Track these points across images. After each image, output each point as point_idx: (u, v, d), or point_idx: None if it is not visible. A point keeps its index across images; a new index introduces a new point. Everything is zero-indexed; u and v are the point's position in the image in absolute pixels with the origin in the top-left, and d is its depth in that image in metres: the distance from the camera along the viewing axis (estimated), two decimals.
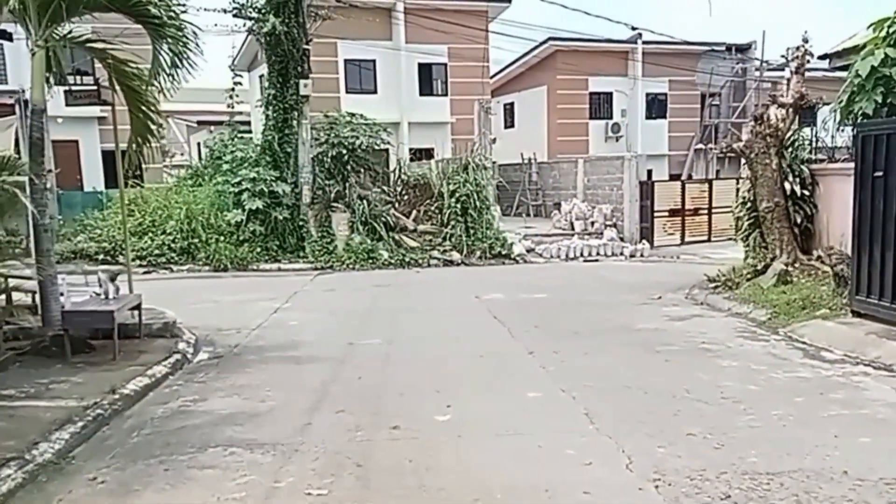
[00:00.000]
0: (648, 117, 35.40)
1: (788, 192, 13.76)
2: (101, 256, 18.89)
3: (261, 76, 21.04)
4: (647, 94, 35.22)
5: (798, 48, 14.58)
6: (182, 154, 38.37)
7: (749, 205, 14.46)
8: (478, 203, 20.94)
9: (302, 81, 19.88)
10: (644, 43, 33.60)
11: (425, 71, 30.54)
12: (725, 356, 8.98)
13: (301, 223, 20.10)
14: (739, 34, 33.96)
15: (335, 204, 20.22)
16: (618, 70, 34.61)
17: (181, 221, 19.25)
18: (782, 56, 13.93)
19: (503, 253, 20.79)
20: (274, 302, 13.34)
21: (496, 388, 7.70)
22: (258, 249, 19.34)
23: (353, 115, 21.26)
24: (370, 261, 19.34)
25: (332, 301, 13.91)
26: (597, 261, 21.76)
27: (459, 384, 7.81)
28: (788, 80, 14.96)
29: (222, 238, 19.30)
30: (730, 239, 25.89)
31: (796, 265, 13.39)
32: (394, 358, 8.99)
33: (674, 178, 31.84)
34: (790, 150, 14.22)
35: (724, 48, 35.09)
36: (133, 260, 18.55)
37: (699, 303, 13.19)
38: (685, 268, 19.57)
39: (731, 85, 35.05)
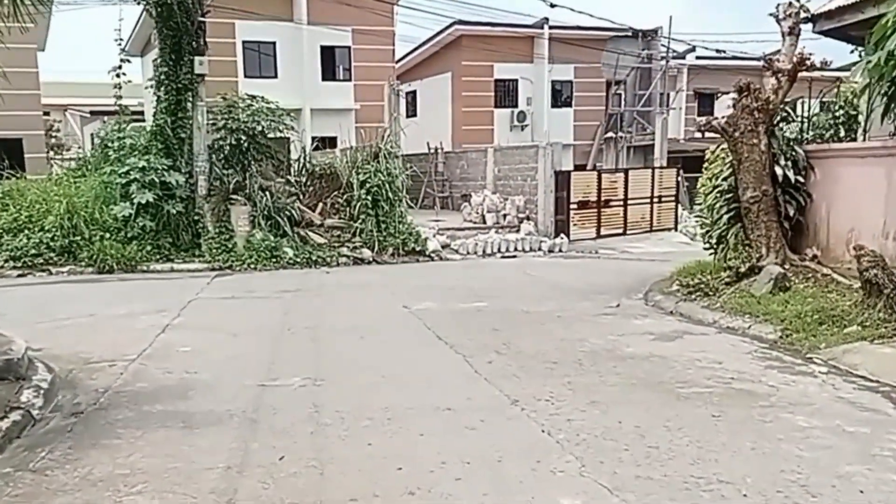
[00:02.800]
0: (554, 105, 33.70)
1: (780, 179, 11.64)
2: None
3: (154, 60, 18.44)
4: (553, 82, 33.57)
5: (790, 4, 12.11)
6: (78, 147, 35.26)
7: (730, 194, 12.26)
8: (389, 195, 18.78)
9: (197, 59, 17.24)
10: (550, 28, 31.94)
11: (328, 54, 28.15)
12: (783, 405, 6.56)
13: (196, 218, 17.47)
14: (647, 19, 32.97)
15: (234, 196, 17.74)
16: (524, 56, 32.71)
17: (61, 217, 16.34)
18: (776, 17, 11.34)
19: (417, 249, 18.73)
20: (163, 316, 10.78)
21: (506, 488, 4.87)
22: (148, 247, 16.62)
23: (253, 97, 18.76)
24: (274, 260, 16.96)
25: (234, 314, 11.47)
26: (515, 257, 20.02)
27: (443, 479, 5.00)
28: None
29: (108, 235, 16.47)
30: (644, 231, 24.98)
31: (786, 267, 11.29)
32: (325, 414, 6.40)
33: (578, 168, 30.41)
34: (780, 127, 12.16)
35: (630, 34, 33.66)
36: (6, 261, 15.93)
37: (669, 312, 11.19)
38: (616, 265, 17.96)
39: (636, 72, 33.77)
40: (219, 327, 10.17)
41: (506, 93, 33.38)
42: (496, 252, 20.22)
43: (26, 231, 16.33)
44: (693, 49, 35.52)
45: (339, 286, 14.35)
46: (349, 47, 28.32)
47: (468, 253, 19.85)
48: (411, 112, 34.90)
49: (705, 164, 14.02)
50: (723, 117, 12.50)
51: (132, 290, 13.87)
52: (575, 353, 8.64)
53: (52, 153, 32.60)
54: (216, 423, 6.17)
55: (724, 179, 12.59)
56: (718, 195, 12.75)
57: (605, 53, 33.59)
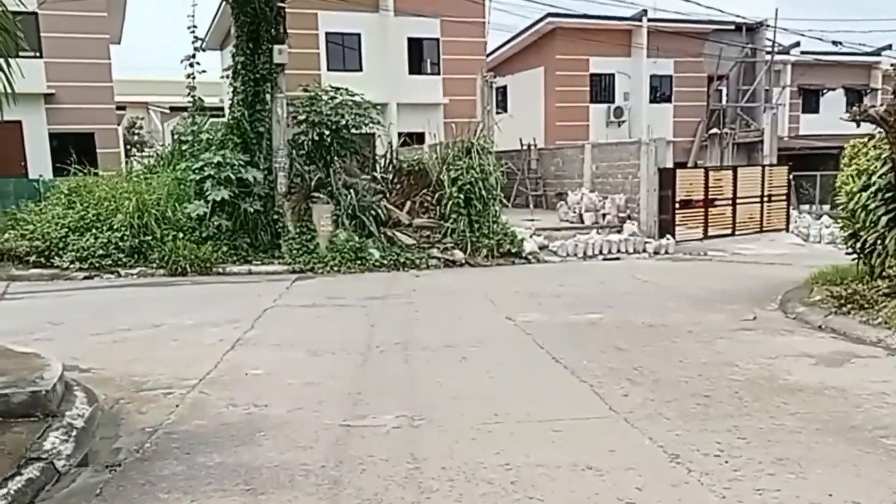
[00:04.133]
0: (652, 101, 31.57)
1: None
2: (32, 258, 14.91)
3: (231, 49, 17.21)
4: (652, 76, 31.41)
5: None
6: (161, 144, 34.74)
7: (889, 193, 10.24)
8: (483, 193, 17.09)
9: (276, 47, 15.86)
10: (649, 21, 29.97)
11: (416, 46, 26.63)
12: None
13: (276, 217, 16.11)
14: (750, 11, 30.68)
15: (316, 194, 16.31)
16: (621, 50, 30.75)
17: (131, 215, 15.17)
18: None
19: (513, 251, 16.99)
20: (234, 328, 9.30)
21: None
22: (224, 248, 15.33)
23: (337, 89, 17.33)
24: (358, 262, 15.46)
25: (313, 326, 9.87)
26: (618, 259, 18.15)
27: None
28: None
29: (181, 235, 15.21)
30: (753, 232, 22.79)
31: None
32: (428, 471, 4.73)
33: (678, 166, 28.29)
34: None
35: (733, 27, 31.32)
36: (72, 262, 14.77)
37: (818, 327, 9.25)
38: (732, 269, 15.91)
39: (740, 67, 31.39)
40: (296, 343, 8.59)
41: (602, 87, 31.35)
42: (597, 254, 18.40)
43: (94, 230, 15.17)
44: (798, 44, 33.38)
45: (430, 292, 12.71)
46: (438, 39, 26.77)
47: (567, 255, 18.06)
48: (501, 108, 32.88)
49: (844, 160, 12.25)
50: (880, 105, 10.51)
51: (204, 296, 12.51)
52: (727, 382, 6.83)
53: (134, 150, 32.06)
54: (288, 486, 4.52)
55: (881, 176, 10.52)
56: (873, 195, 10.66)
57: (707, 47, 31.36)
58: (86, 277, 14.40)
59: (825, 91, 36.37)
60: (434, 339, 8.77)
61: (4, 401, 5.34)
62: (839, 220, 12.31)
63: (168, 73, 17.57)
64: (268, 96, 16.34)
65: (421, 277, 14.70)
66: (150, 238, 15.13)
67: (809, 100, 35.14)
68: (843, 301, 9.74)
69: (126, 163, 23.55)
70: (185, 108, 26.77)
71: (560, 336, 8.93)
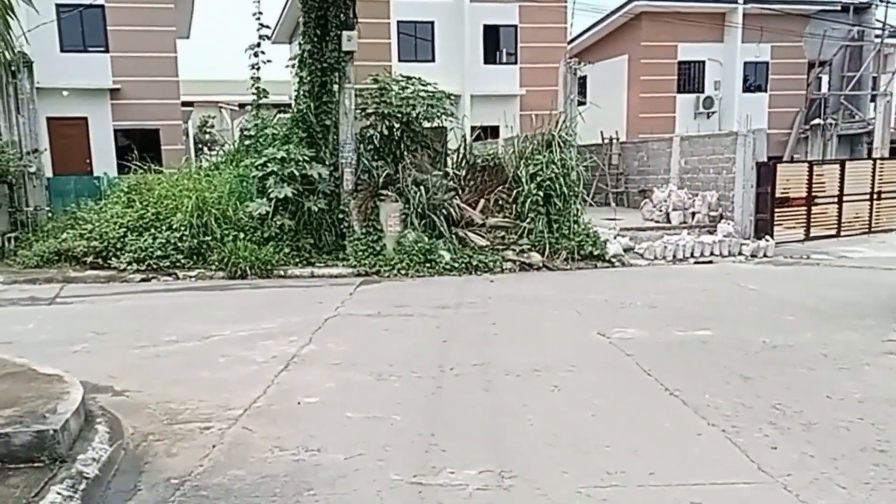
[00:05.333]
0: (745, 90, 29.94)
1: None
2: (89, 258, 14.48)
3: (297, 37, 16.53)
4: (746, 63, 29.69)
5: None
6: (232, 142, 34.49)
7: None
8: (564, 190, 15.98)
9: (345, 34, 15.07)
10: (745, 2, 28.36)
11: (492, 34, 25.53)
12: None
13: (341, 216, 15.37)
14: None
15: (384, 192, 15.51)
16: (712, 35, 29.13)
17: (190, 214, 14.68)
18: None
19: (595, 253, 15.88)
20: (290, 342, 8.54)
21: None
22: (286, 249, 14.66)
23: (408, 79, 16.53)
24: (428, 265, 14.57)
25: (379, 340, 8.93)
26: (711, 262, 16.82)
27: None
28: None
29: (242, 235, 14.61)
30: (861, 233, 21.13)
31: None
32: None
33: (773, 160, 26.67)
34: None
35: (838, 7, 29.33)
36: (129, 263, 14.26)
37: None
38: (847, 275, 14.48)
39: (844, 51, 29.41)
40: (358, 362, 7.74)
41: (690, 76, 29.77)
42: (688, 257, 17.08)
43: (152, 230, 14.66)
44: None
45: (507, 300, 11.74)
46: (515, 26, 25.68)
47: (655, 258, 16.83)
48: (580, 99, 31.75)
49: None
50: None
51: (261, 302, 11.81)
52: None
53: (205, 149, 31.85)
54: None
55: None
56: None
57: (809, 29, 29.42)
58: (143, 280, 13.89)
59: None
60: (517, 360, 7.81)
61: (4, 442, 4.56)
62: None
63: (241, 73, 17.02)
64: (335, 87, 15.58)
65: (495, 282, 13.77)
66: (209, 238, 14.57)
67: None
68: None
69: (196, 161, 23.21)
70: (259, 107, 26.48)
71: (667, 358, 7.90)
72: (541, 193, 15.85)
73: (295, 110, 15.69)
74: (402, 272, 14.39)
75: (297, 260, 14.79)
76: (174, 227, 14.59)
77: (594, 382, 7.07)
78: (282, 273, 14.30)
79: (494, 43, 25.70)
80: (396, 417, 6.01)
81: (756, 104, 29.64)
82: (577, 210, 16.36)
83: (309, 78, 15.36)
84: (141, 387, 6.81)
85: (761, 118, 29.18)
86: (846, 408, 6.18)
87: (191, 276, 14.12)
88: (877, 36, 29.27)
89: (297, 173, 14.56)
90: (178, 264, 14.34)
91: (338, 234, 15.38)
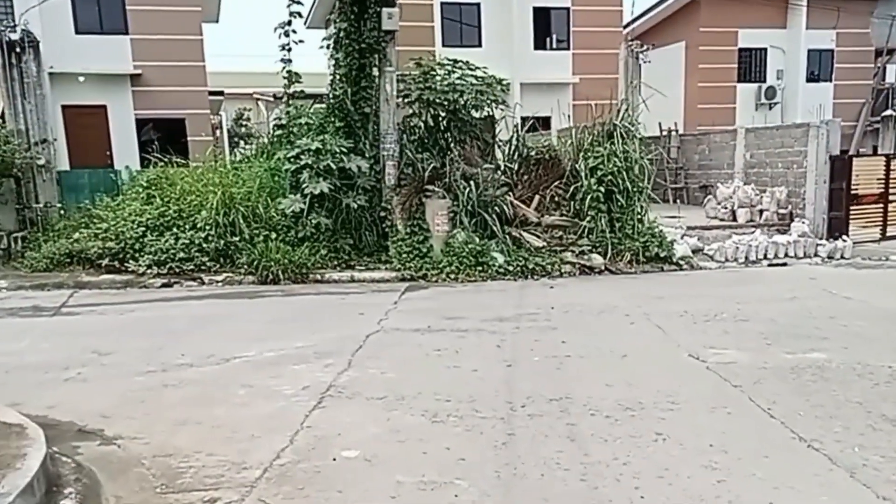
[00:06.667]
0: (809, 79, 28.24)
1: None
2: (105, 261, 13.18)
3: (331, 16, 15.16)
4: (809, 51, 28.02)
5: None
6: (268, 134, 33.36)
7: None
8: (627, 185, 14.40)
9: (385, 10, 13.61)
10: None
11: (542, 18, 24.11)
12: None
13: (383, 214, 13.94)
14: None
15: (430, 187, 14.02)
16: (775, 20, 27.49)
17: (216, 211, 13.36)
18: None
19: (661, 255, 14.33)
20: (326, 367, 7.12)
21: None
22: (322, 251, 13.27)
23: (455, 62, 15.05)
24: (479, 268, 13.10)
25: (430, 366, 7.40)
26: (785, 264, 15.19)
27: None
28: None
29: (273, 235, 13.25)
30: None
31: None
32: None
33: (841, 154, 24.96)
34: None
35: None
36: (149, 267, 12.94)
37: None
38: None
39: None
40: (408, 395, 6.28)
41: (751, 64, 28.05)
42: (761, 258, 15.49)
43: (175, 229, 13.34)
44: None
45: (573, 310, 10.21)
46: (568, 9, 24.16)
47: (726, 259, 15.23)
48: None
49: None
50: None
51: (295, 312, 10.42)
52: None
53: (242, 142, 30.78)
54: None
55: None
56: None
57: (877, 14, 27.54)
58: (164, 285, 12.58)
59: None
60: (601, 393, 6.34)
61: None
62: None
63: (278, 65, 15.56)
64: (375, 71, 14.18)
65: (555, 288, 12.25)
66: (237, 239, 13.23)
67: None
68: None
69: (231, 155, 21.93)
70: (291, 95, 25.23)
71: (784, 392, 6.38)
72: (602, 189, 14.30)
73: (330, 96, 14.29)
74: (451, 276, 12.95)
75: (335, 262, 13.42)
76: (198, 226, 13.27)
77: (706, 428, 5.56)
78: (318, 277, 12.91)
79: (545, 27, 24.19)
80: (461, 483, 4.56)
81: (820, 95, 27.87)
82: (642, 208, 14.80)
83: (346, 60, 13.95)
84: (138, 431, 5.44)
85: (825, 109, 27.40)
86: None
87: (217, 281, 12.78)
88: None
89: (333, 166, 13.14)
90: (202, 267, 13.02)
91: (379, 234, 13.98)
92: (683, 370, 7.17)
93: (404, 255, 13.34)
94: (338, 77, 14.12)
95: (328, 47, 14.59)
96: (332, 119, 14.01)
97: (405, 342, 8.37)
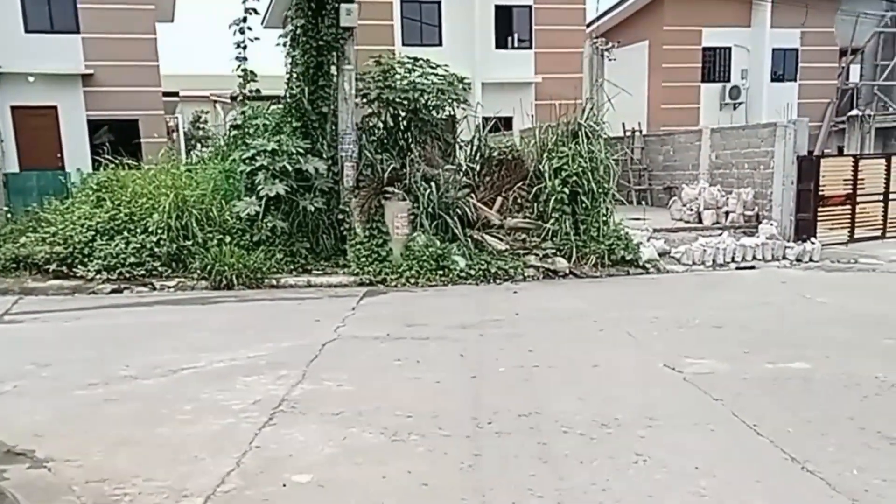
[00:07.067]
0: (774, 79, 28.29)
1: None
2: (52, 266, 12.70)
3: (288, 12, 14.84)
4: (774, 51, 28.03)
5: None
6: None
7: None
8: (592, 186, 14.22)
9: (344, 6, 13.26)
10: None
11: (504, 16, 23.70)
12: None
13: (341, 216, 13.56)
14: None
15: (390, 189, 13.71)
16: (739, 19, 27.49)
17: (168, 215, 12.94)
18: None
19: (627, 258, 14.18)
20: (279, 379, 6.77)
21: None
22: (278, 255, 12.90)
23: (415, 60, 14.80)
24: (440, 272, 12.84)
25: (390, 378, 7.06)
26: (754, 267, 15.12)
27: None
28: None
29: (228, 239, 12.81)
30: None
31: None
32: None
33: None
34: None
35: None
36: (98, 272, 12.49)
37: None
38: None
39: (878, 38, 27.65)
40: (366, 409, 5.97)
41: (715, 64, 28.03)
42: (729, 261, 15.41)
43: (125, 233, 12.87)
44: None
45: (540, 317, 9.96)
46: (530, 7, 23.82)
47: (693, 263, 15.11)
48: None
49: None
50: None
51: (249, 319, 10.07)
52: None
53: (199, 145, 30.27)
54: None
55: None
56: None
57: (841, 13, 27.70)
58: (113, 291, 12.12)
59: None
60: (574, 408, 6.05)
61: None
62: None
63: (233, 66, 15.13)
64: (333, 69, 13.84)
65: (519, 293, 12.04)
66: (190, 243, 12.80)
67: None
68: None
69: (187, 158, 21.46)
70: (248, 98, 24.70)
71: (769, 405, 6.13)
72: (566, 190, 14.09)
73: (287, 96, 13.93)
74: (412, 281, 12.67)
75: (292, 267, 13.04)
76: (150, 229, 12.80)
77: (689, 447, 5.26)
78: (273, 282, 12.55)
79: (507, 26, 23.88)
80: None
81: (785, 94, 27.87)
82: (607, 210, 14.65)
83: (303, 58, 13.60)
84: (73, 451, 5.07)
85: (790, 110, 27.54)
86: None
87: (169, 287, 12.37)
88: None
89: (290, 168, 12.79)
90: (154, 273, 12.57)
91: (337, 238, 13.62)
92: (660, 382, 6.91)
93: (363, 259, 13.02)
94: (295, 76, 13.77)
95: (285, 45, 14.25)
96: (289, 119, 13.66)
97: (363, 351, 8.04)
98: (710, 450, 5.23)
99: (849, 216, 18.51)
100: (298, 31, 13.52)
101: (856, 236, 18.55)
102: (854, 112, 26.05)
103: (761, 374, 7.01)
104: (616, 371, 7.29)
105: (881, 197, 19.11)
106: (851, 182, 18.40)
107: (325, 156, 13.61)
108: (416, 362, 7.57)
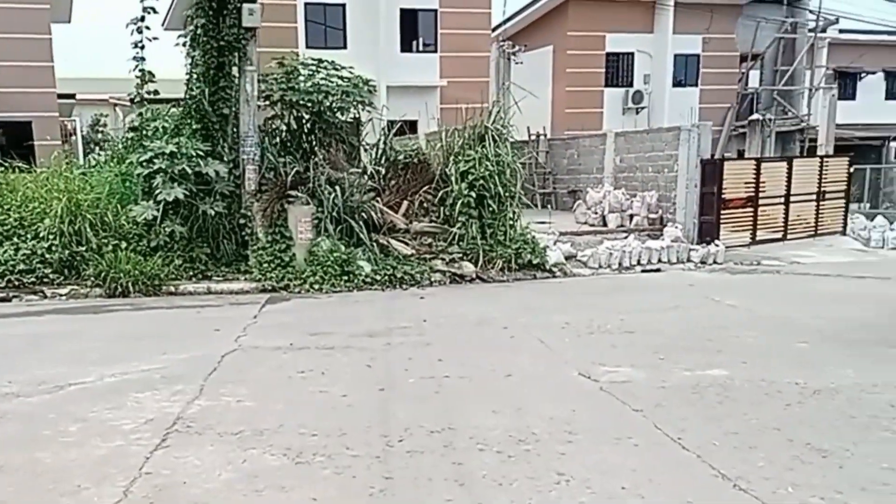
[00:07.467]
0: (676, 84, 28.93)
1: None
2: None
3: (188, 11, 14.45)
4: (676, 56, 28.62)
5: None
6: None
7: None
8: (499, 190, 14.29)
9: (246, 6, 12.95)
10: None
11: (409, 19, 23.65)
12: None
13: (242, 221, 13.25)
14: None
15: (293, 192, 13.45)
16: (642, 25, 27.99)
17: (60, 219, 12.45)
18: None
19: (534, 262, 14.30)
20: (173, 394, 6.47)
21: None
22: (177, 261, 12.50)
23: (319, 61, 14.64)
24: (345, 278, 12.69)
25: (293, 391, 6.81)
26: (659, 270, 15.47)
27: None
28: None
29: (124, 244, 12.34)
30: (807, 236, 19.98)
31: None
32: None
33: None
34: None
35: None
36: None
37: None
38: (821, 286, 13.46)
39: (778, 44, 28.50)
40: (268, 428, 5.72)
41: (619, 69, 28.52)
42: (635, 264, 15.71)
43: (15, 239, 12.33)
44: (836, 21, 30.44)
45: (448, 323, 9.88)
46: (435, 10, 23.81)
47: (600, 266, 15.33)
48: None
49: None
50: None
51: (144, 329, 9.69)
52: None
53: (97, 149, 29.31)
54: None
55: None
56: None
57: (742, 21, 28.54)
58: (1, 299, 11.64)
59: (863, 75, 33.74)
60: (488, 423, 5.89)
61: None
62: None
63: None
64: (234, 70, 13.54)
65: (426, 298, 11.97)
66: (84, 249, 12.31)
67: (846, 84, 32.47)
68: None
69: (85, 161, 20.68)
70: (150, 100, 23.95)
71: (691, 417, 6.05)
72: (473, 194, 14.13)
73: (187, 97, 13.56)
74: (316, 287, 12.48)
75: (191, 273, 12.67)
76: (41, 235, 12.26)
77: (613, 464, 5.09)
78: (172, 289, 12.18)
79: (412, 29, 23.78)
80: None
81: (687, 99, 28.56)
82: (514, 213, 14.75)
83: (203, 58, 13.25)
84: None
85: (693, 114, 28.25)
86: None
87: (61, 295, 11.88)
88: (810, 30, 28.49)
89: (189, 171, 12.43)
90: (45, 280, 12.06)
91: (239, 243, 13.29)
92: (576, 392, 6.79)
93: (265, 265, 12.75)
94: (195, 76, 13.39)
95: (184, 45, 13.88)
96: (189, 121, 13.29)
97: (265, 363, 7.78)
98: (635, 467, 5.06)
99: (751, 219, 19.07)
100: (199, 31, 13.17)
101: (758, 238, 19.15)
102: (755, 116, 26.79)
103: (680, 383, 6.97)
104: (530, 381, 7.17)
105: (782, 200, 19.76)
106: (754, 185, 18.94)
107: (226, 159, 13.30)
108: (321, 374, 7.35)
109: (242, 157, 13.43)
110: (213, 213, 12.75)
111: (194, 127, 13.24)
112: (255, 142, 13.47)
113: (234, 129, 13.60)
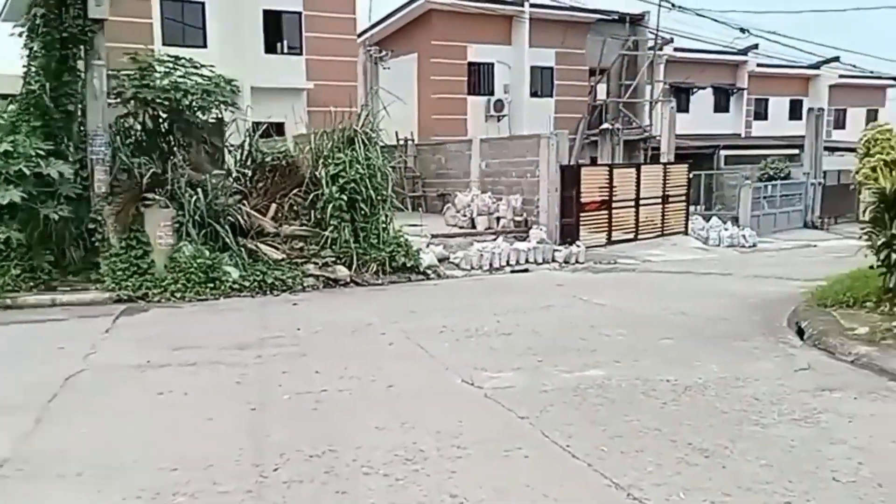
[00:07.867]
0: (533, 94, 28.72)
1: None
2: None
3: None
4: (533, 68, 28.46)
5: None
6: None
7: None
8: (371, 193, 13.23)
9: None
10: (531, 6, 27.25)
11: (273, 21, 22.07)
12: None
13: (92, 226, 11.61)
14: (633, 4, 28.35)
15: (150, 195, 11.88)
16: (501, 38, 27.70)
17: None
18: None
19: (408, 265, 13.32)
20: (5, 426, 5.11)
21: None
22: (15, 271, 10.83)
23: (177, 58, 13.10)
24: (210, 285, 11.35)
25: (151, 419, 5.53)
26: (527, 270, 15.12)
27: None
28: None
29: None
30: (655, 236, 20.50)
31: None
32: None
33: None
34: None
35: (616, 18, 28.86)
36: None
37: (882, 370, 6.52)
38: (672, 283, 13.54)
39: (622, 60, 28.83)
40: (120, 465, 4.46)
41: (480, 78, 28.07)
42: (504, 265, 15.17)
43: None
44: (671, 40, 31.70)
45: (324, 332, 8.68)
46: (300, 13, 22.35)
47: (471, 267, 14.73)
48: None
49: (860, 150, 9.38)
50: None
51: None
52: None
53: None
54: None
55: None
56: None
57: (590, 38, 28.78)
58: None
59: (695, 90, 35.12)
60: (372, 440, 4.89)
61: None
62: (863, 225, 9.43)
63: None
64: (80, 64, 11.94)
65: (300, 305, 10.78)
66: None
67: (680, 98, 33.42)
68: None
69: None
70: None
71: (576, 420, 5.32)
72: (344, 197, 13.04)
73: (24, 91, 11.76)
74: (178, 295, 11.07)
75: (32, 284, 10.99)
76: None
77: (506, 481, 4.27)
78: (9, 302, 10.46)
79: (277, 31, 22.25)
80: None
81: (544, 109, 28.45)
82: (387, 216, 13.72)
83: (44, 52, 11.61)
84: None
85: (548, 123, 28.07)
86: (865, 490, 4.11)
87: None
88: (650, 48, 29.08)
89: (27, 172, 10.71)
90: None
91: (88, 249, 11.65)
92: (460, 401, 5.91)
93: (119, 273, 11.15)
94: (34, 70, 11.67)
95: (21, 35, 12.04)
96: (27, 118, 11.54)
97: (118, 385, 6.41)
98: (529, 482, 4.29)
99: (607, 220, 19.46)
100: (38, 21, 11.46)
101: (613, 239, 19.56)
102: (605, 126, 26.96)
103: (561, 385, 6.22)
104: (412, 391, 6.23)
105: (633, 203, 20.24)
106: (608, 189, 19.21)
107: (72, 159, 11.69)
108: (183, 395, 6.07)
109: (91, 157, 11.81)
110: (56, 217, 11.07)
111: (34, 124, 11.52)
112: (104, 141, 11.84)
113: (81, 128, 12.05)
